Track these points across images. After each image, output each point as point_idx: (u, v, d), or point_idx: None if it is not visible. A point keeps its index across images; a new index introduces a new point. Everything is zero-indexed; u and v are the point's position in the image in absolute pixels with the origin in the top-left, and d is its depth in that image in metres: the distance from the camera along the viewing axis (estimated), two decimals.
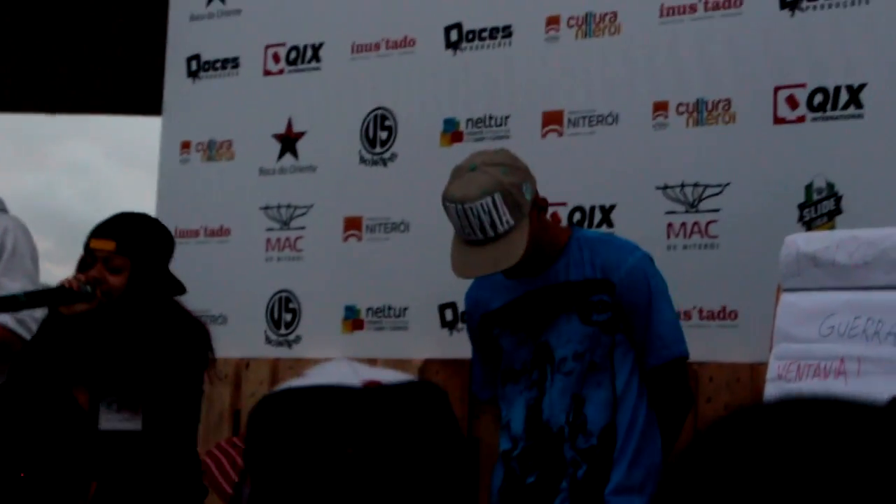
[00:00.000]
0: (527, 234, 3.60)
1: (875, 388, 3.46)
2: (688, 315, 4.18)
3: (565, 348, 3.67)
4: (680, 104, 4.31)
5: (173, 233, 4.07)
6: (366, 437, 1.09)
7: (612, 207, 4.38)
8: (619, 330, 3.66)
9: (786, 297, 3.71)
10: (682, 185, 4.29)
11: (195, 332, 3.96)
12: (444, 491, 0.99)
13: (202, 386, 4.06)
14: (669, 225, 4.29)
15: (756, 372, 3.97)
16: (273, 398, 1.28)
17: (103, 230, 3.91)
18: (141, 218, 4.02)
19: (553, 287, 3.71)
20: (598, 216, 4.39)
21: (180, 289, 4.04)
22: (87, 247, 3.92)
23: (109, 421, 3.85)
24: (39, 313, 4.48)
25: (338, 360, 1.33)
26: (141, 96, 8.53)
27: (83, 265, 3.89)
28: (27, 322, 4.44)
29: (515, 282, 3.76)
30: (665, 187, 4.31)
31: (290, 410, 1.22)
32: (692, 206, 4.27)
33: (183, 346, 3.89)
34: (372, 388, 1.21)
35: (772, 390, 3.70)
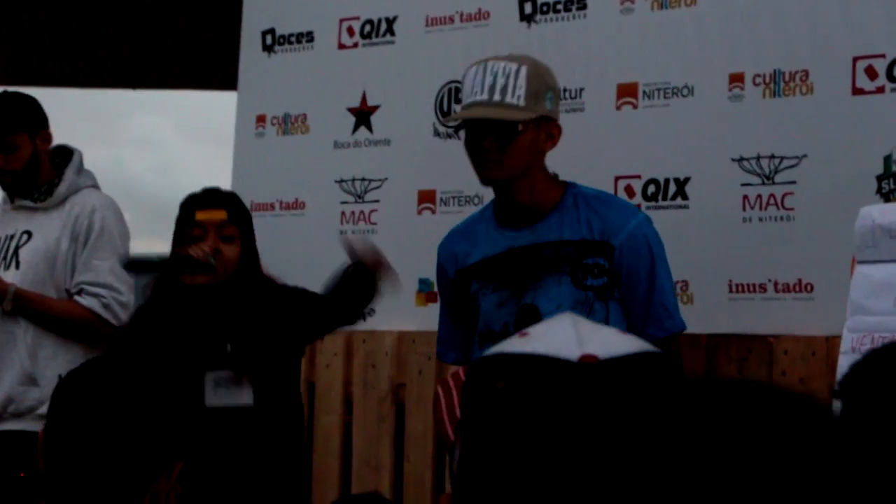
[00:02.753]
0: (529, 134, 3.40)
1: None
2: (763, 287, 4.15)
3: (555, 313, 3.43)
4: (756, 75, 4.28)
5: (249, 207, 4.09)
6: (571, 417, 1.05)
7: (688, 180, 4.35)
8: (614, 297, 3.46)
9: (860, 269, 3.68)
10: (759, 158, 4.25)
11: (303, 303, 3.93)
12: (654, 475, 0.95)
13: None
14: (745, 197, 4.26)
15: (832, 345, 3.94)
16: (488, 361, 1.25)
17: (209, 201, 3.88)
18: (228, 190, 4.03)
19: (544, 245, 3.47)
20: (672, 189, 4.36)
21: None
22: (189, 219, 3.86)
23: (217, 397, 3.81)
24: (126, 297, 4.51)
25: (567, 318, 1.28)
26: (216, 71, 8.58)
27: (189, 238, 3.83)
28: (113, 307, 4.49)
29: (499, 234, 3.54)
30: (741, 159, 4.28)
31: (501, 379, 1.19)
32: (768, 179, 4.23)
33: (295, 319, 3.87)
34: (588, 363, 1.17)
35: (845, 363, 3.67)
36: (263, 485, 3.81)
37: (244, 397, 3.80)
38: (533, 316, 3.43)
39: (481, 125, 3.41)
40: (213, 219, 3.81)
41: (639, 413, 0.99)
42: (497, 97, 3.37)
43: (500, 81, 3.37)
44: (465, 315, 3.62)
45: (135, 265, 4.00)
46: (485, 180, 3.50)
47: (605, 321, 3.40)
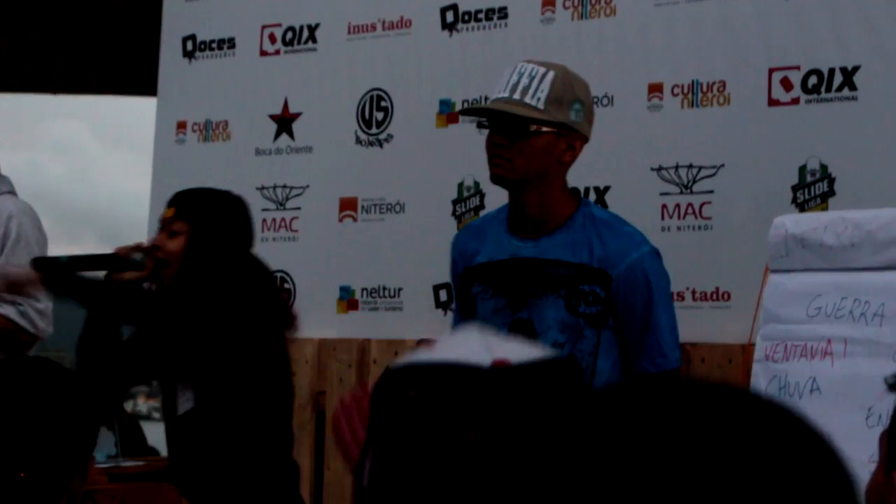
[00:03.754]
0: (545, 139, 3.32)
1: (861, 368, 3.49)
2: (681, 296, 4.19)
3: (546, 335, 3.36)
4: (675, 86, 4.33)
5: None
6: (489, 423, 1.04)
7: (607, 189, 4.39)
8: (607, 326, 3.37)
9: (773, 278, 3.74)
10: (677, 167, 4.30)
11: (258, 300, 3.81)
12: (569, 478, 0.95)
13: (281, 357, 3.88)
14: (664, 206, 4.31)
15: (748, 353, 3.98)
16: (398, 373, 1.24)
17: (170, 200, 3.87)
18: (209, 189, 3.96)
19: (545, 262, 3.39)
20: (592, 197, 4.40)
21: (261, 269, 3.90)
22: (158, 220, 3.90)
23: (183, 404, 3.77)
24: (43, 304, 4.46)
25: (471, 328, 1.27)
26: (136, 76, 8.52)
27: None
28: (29, 314, 4.43)
29: (506, 240, 3.46)
30: (659, 168, 4.33)
31: (413, 388, 1.18)
32: (686, 188, 4.29)
33: (237, 315, 3.72)
34: (501, 368, 1.17)
35: (759, 371, 3.73)
36: (211, 486, 3.79)
37: (188, 402, 3.77)
38: (528, 331, 3.37)
39: (498, 122, 3.35)
40: (164, 216, 3.81)
41: (557, 418, 0.99)
42: (517, 96, 3.31)
43: (524, 81, 3.32)
44: (469, 313, 3.54)
45: (40, 263, 3.96)
46: (493, 178, 3.40)
47: (596, 349, 3.35)
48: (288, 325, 3.95)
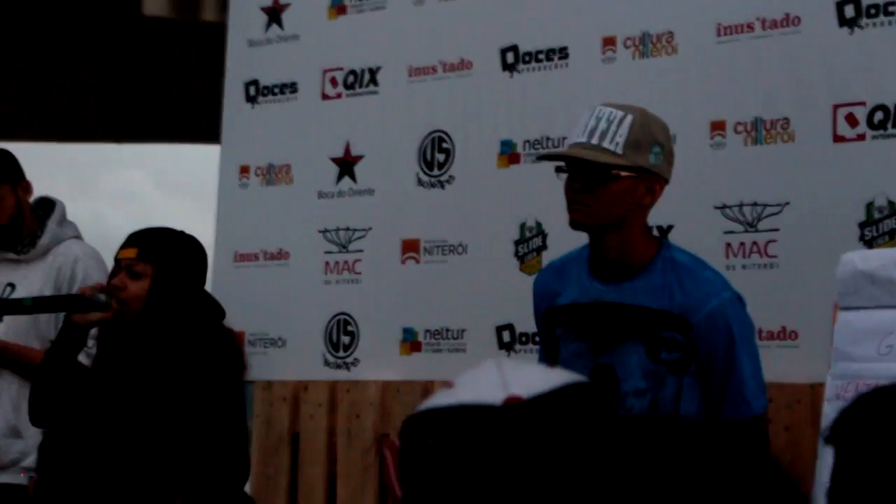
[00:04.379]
0: (624, 184, 3.28)
1: None
2: None
3: (627, 381, 3.33)
4: (738, 123, 4.30)
5: (232, 257, 4.05)
6: (503, 462, 1.05)
7: (670, 228, 4.36)
8: (689, 372, 3.33)
9: (843, 316, 3.68)
10: (741, 205, 4.27)
11: (214, 352, 3.77)
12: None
13: (236, 407, 3.82)
14: (728, 245, 4.27)
15: (816, 392, 3.93)
16: (415, 420, 1.24)
17: (127, 241, 3.84)
18: (167, 229, 3.91)
19: (627, 307, 3.34)
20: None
21: (216, 309, 3.89)
22: (115, 259, 3.86)
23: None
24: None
25: (491, 362, 1.27)
26: (198, 124, 8.61)
27: (110, 279, 3.83)
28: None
29: (588, 283, 3.42)
30: (723, 207, 4.30)
31: (430, 435, 1.18)
32: (751, 226, 4.25)
33: (194, 363, 3.70)
34: (512, 405, 1.17)
35: (830, 410, 3.67)
36: None
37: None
38: (609, 377, 3.33)
39: (576, 168, 3.33)
40: (125, 257, 3.79)
41: (565, 450, 1.00)
42: (595, 140, 3.29)
43: (602, 126, 3.29)
44: (552, 354, 3.52)
45: (5, 305, 4.00)
46: (572, 224, 3.38)
47: (678, 396, 3.31)
48: (243, 368, 3.96)
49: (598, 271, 3.42)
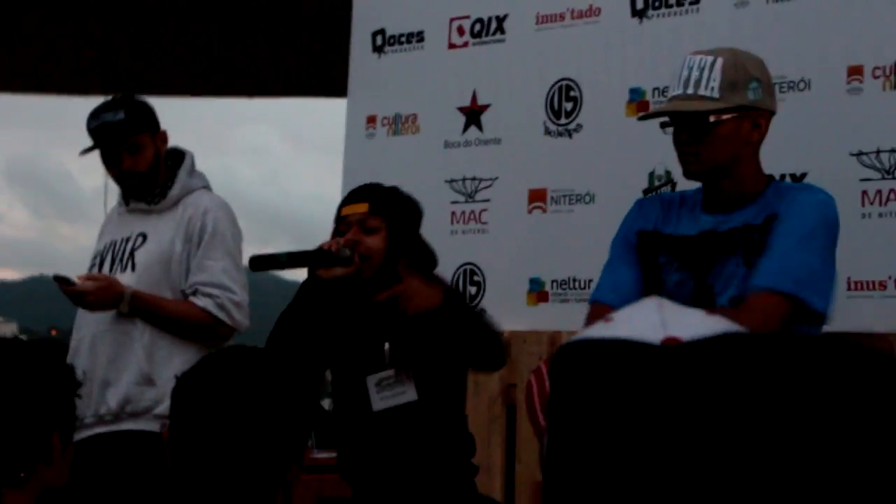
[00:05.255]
0: (729, 125, 3.30)
1: None
2: (882, 285, 4.06)
3: (724, 295, 3.32)
4: (876, 67, 4.19)
5: None
6: (653, 400, 1.03)
7: (804, 175, 4.27)
8: None
9: None
10: (878, 152, 4.16)
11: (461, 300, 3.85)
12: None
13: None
14: (864, 193, 4.17)
15: None
16: (569, 350, 1.24)
17: (353, 197, 3.87)
18: (389, 186, 3.96)
19: (731, 231, 3.36)
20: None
21: (434, 260, 3.95)
22: (338, 218, 3.86)
23: (383, 400, 3.75)
24: (239, 297, 4.54)
25: (652, 301, 1.27)
26: (324, 77, 8.65)
27: (336, 235, 3.82)
28: (227, 307, 4.51)
29: (700, 217, 3.44)
30: (859, 154, 4.19)
31: (584, 365, 1.18)
32: (888, 173, 4.14)
33: (452, 313, 3.74)
34: (670, 346, 1.16)
35: None
36: (432, 479, 3.77)
37: (409, 394, 3.76)
38: (708, 296, 3.33)
39: (678, 120, 3.38)
40: (356, 212, 3.79)
41: (722, 397, 0.98)
42: (690, 90, 3.32)
43: (695, 74, 3.32)
44: (642, 270, 3.51)
45: (259, 262, 3.96)
46: (686, 174, 3.44)
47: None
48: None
49: (710, 207, 3.43)
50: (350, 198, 3.88)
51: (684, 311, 1.23)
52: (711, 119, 3.31)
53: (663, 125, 3.44)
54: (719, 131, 3.33)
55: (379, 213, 3.79)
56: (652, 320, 1.18)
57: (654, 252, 3.51)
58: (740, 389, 0.98)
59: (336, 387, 3.96)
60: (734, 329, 1.20)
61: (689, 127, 3.35)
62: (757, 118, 3.37)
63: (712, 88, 3.30)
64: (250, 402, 2.19)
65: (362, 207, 3.80)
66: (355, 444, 3.86)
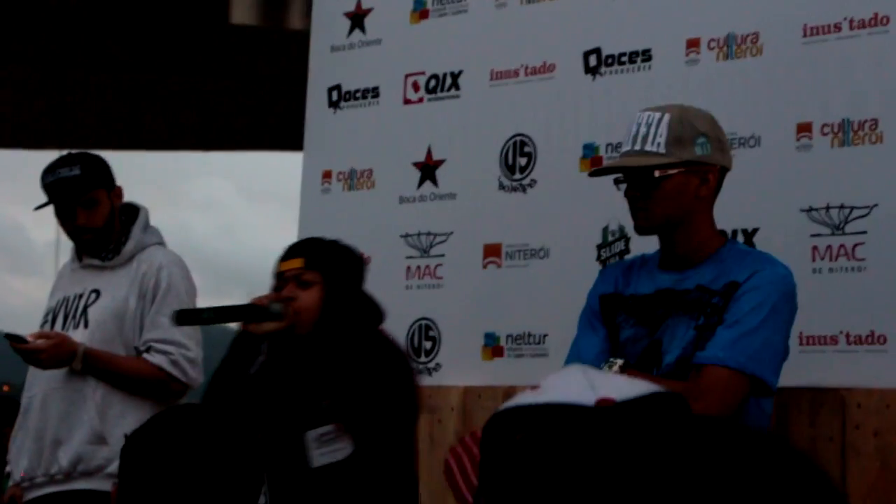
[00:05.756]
0: (675, 180, 3.35)
1: None
2: (834, 340, 4.08)
3: (672, 353, 3.35)
4: (824, 125, 4.23)
5: None
6: (593, 462, 1.04)
7: (755, 231, 4.30)
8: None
9: None
10: (828, 207, 4.20)
11: (403, 357, 3.85)
12: None
13: (416, 414, 3.94)
14: (814, 248, 4.20)
15: None
16: (503, 416, 1.24)
17: (289, 252, 3.87)
18: (328, 240, 3.97)
19: (686, 291, 3.40)
20: (740, 240, 4.31)
21: (380, 315, 3.94)
22: (275, 274, 3.87)
23: (323, 455, 3.74)
24: (194, 353, 4.52)
25: (575, 367, 1.28)
26: (281, 132, 8.66)
27: (275, 292, 3.81)
28: (181, 363, 4.49)
29: (656, 275, 3.49)
30: (810, 209, 4.23)
31: (519, 431, 1.18)
32: (838, 229, 4.18)
33: (392, 370, 3.78)
34: (604, 406, 1.17)
35: None
36: None
37: (347, 450, 3.74)
38: (655, 351, 3.37)
39: (628, 175, 3.43)
40: (291, 268, 3.79)
41: (661, 456, 0.99)
42: (638, 146, 3.38)
43: (643, 130, 3.38)
44: (606, 332, 3.55)
45: (184, 316, 3.97)
46: (637, 229, 3.50)
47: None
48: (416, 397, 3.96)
49: (666, 264, 3.49)
50: (286, 253, 3.88)
51: (608, 375, 1.25)
52: (657, 174, 3.36)
53: (616, 181, 3.48)
54: (666, 186, 3.38)
55: (315, 267, 3.79)
56: (580, 384, 1.20)
57: (613, 313, 3.55)
58: (674, 447, 0.99)
59: (268, 444, 3.93)
60: (659, 389, 1.21)
61: (638, 182, 3.40)
62: (706, 173, 3.41)
63: (658, 144, 3.36)
64: (198, 461, 2.18)
65: (297, 262, 3.80)
66: (292, 502, 3.83)
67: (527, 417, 1.19)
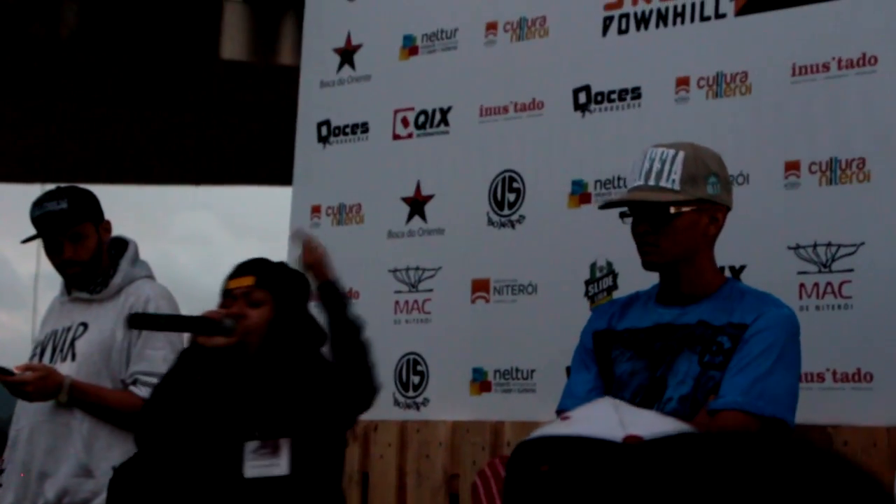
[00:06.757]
0: (687, 218, 3.38)
1: None
2: (821, 377, 4.10)
3: (676, 390, 3.38)
4: (812, 163, 4.26)
5: None
6: (618, 498, 1.04)
7: (743, 268, 4.32)
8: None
9: None
10: (815, 245, 4.22)
11: (342, 378, 3.88)
12: None
13: (346, 435, 4.02)
14: (802, 285, 4.22)
15: (893, 435, 3.87)
16: (531, 445, 1.24)
17: (240, 270, 3.90)
18: (276, 261, 4.01)
19: (687, 326, 3.43)
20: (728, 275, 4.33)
21: (323, 336, 3.98)
22: (223, 291, 3.90)
23: (256, 468, 3.78)
24: None
25: (607, 400, 1.28)
26: (271, 166, 8.67)
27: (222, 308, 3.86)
28: None
29: (653, 309, 3.51)
30: (797, 247, 4.25)
31: (545, 462, 1.18)
32: (825, 266, 4.20)
33: (331, 389, 3.81)
34: (632, 444, 1.17)
35: None
36: None
37: (281, 468, 3.76)
38: (660, 388, 3.39)
39: (639, 211, 3.44)
40: (241, 286, 3.82)
41: (687, 496, 0.98)
42: (652, 181, 3.39)
43: (657, 166, 3.39)
44: (605, 374, 3.56)
45: (138, 319, 4.05)
46: (645, 264, 3.50)
47: (714, 389, 3.33)
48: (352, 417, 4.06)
49: (666, 300, 3.51)
50: (236, 271, 3.90)
51: (639, 410, 1.24)
52: (672, 210, 3.39)
53: (622, 215, 3.49)
54: (678, 223, 3.40)
55: (265, 286, 3.83)
56: (611, 419, 1.20)
57: (608, 348, 3.56)
58: (702, 488, 0.99)
59: (206, 452, 3.90)
60: (688, 428, 1.21)
61: (649, 217, 3.42)
62: (715, 212, 3.46)
63: (673, 181, 3.38)
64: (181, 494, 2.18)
65: (248, 281, 3.83)
66: None
67: (554, 448, 1.19)
